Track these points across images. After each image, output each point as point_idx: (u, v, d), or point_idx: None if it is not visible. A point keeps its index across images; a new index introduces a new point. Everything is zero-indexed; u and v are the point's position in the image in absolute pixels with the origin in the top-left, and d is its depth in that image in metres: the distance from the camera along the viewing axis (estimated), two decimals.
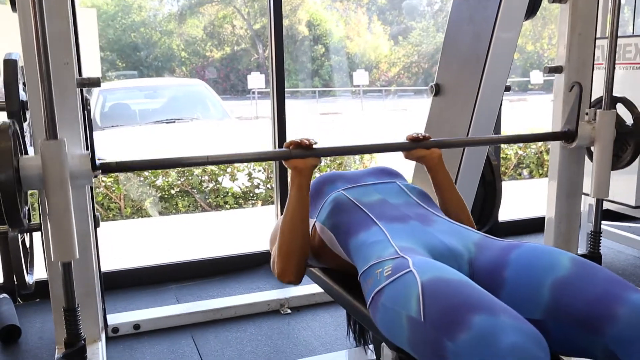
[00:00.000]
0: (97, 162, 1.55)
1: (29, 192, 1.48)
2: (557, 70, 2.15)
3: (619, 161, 2.18)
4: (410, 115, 11.79)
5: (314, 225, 1.52)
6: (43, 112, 1.36)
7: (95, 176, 1.56)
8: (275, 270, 1.49)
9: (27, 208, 1.47)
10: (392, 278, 1.12)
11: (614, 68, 2.02)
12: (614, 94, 2.06)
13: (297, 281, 1.48)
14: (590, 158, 2.19)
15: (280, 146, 2.65)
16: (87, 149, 1.60)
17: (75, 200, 1.49)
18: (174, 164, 1.71)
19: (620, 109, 2.13)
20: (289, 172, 1.56)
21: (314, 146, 1.52)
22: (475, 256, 1.26)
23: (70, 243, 1.39)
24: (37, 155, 1.40)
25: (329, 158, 4.89)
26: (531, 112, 11.21)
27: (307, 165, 1.48)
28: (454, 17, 2.35)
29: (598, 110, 2.05)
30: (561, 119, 2.16)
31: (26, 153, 1.59)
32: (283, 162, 1.52)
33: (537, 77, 14.96)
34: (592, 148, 2.14)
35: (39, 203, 1.67)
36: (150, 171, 4.41)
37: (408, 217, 1.37)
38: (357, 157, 5.08)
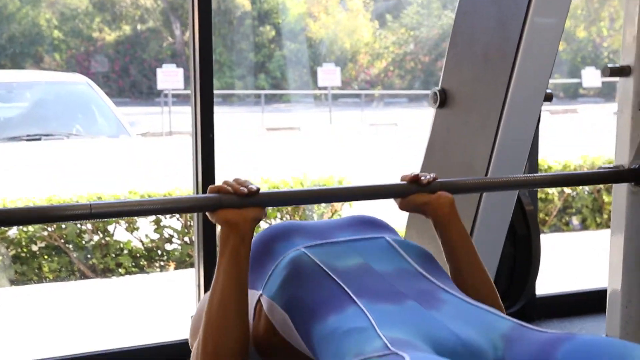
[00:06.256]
0: None
1: None
2: (622, 71, 2.19)
3: None
4: (403, 133, 11.86)
5: (258, 300, 1.53)
6: None
7: None
8: None
9: None
10: None
11: None
12: None
13: None
14: None
15: (204, 185, 2.65)
16: None
17: None
18: (36, 218, 1.66)
19: None
20: (218, 228, 1.55)
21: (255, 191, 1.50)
22: (504, 355, 1.27)
23: None
24: None
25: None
26: (584, 128, 11.38)
27: (246, 219, 1.47)
28: None
29: None
30: (629, 147, 2.18)
31: None
32: (208, 215, 1.51)
33: (592, 77, 15.14)
34: None
35: None
36: None
37: (402, 295, 1.38)
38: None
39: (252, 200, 1.49)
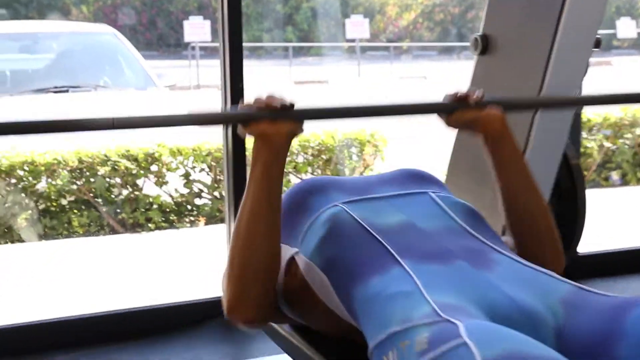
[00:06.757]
0: None
1: None
2: None
3: None
4: (433, 86, 11.88)
5: (292, 258, 1.48)
6: None
7: None
8: (224, 300, 1.43)
9: None
10: (431, 355, 1.09)
11: None
12: None
13: (257, 321, 1.44)
14: None
15: (234, 134, 2.64)
16: None
17: None
18: (52, 127, 1.58)
19: None
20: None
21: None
22: (565, 322, 1.23)
23: None
24: None
25: (308, 152, 4.90)
26: (618, 80, 11.35)
27: (280, 131, 1.39)
28: None
29: None
30: None
31: None
32: (240, 129, 1.43)
33: (627, 28, 15.08)
34: None
35: None
36: (26, 171, 4.40)
37: (451, 253, 1.32)
38: (354, 151, 5.07)
39: (287, 114, 1.43)
